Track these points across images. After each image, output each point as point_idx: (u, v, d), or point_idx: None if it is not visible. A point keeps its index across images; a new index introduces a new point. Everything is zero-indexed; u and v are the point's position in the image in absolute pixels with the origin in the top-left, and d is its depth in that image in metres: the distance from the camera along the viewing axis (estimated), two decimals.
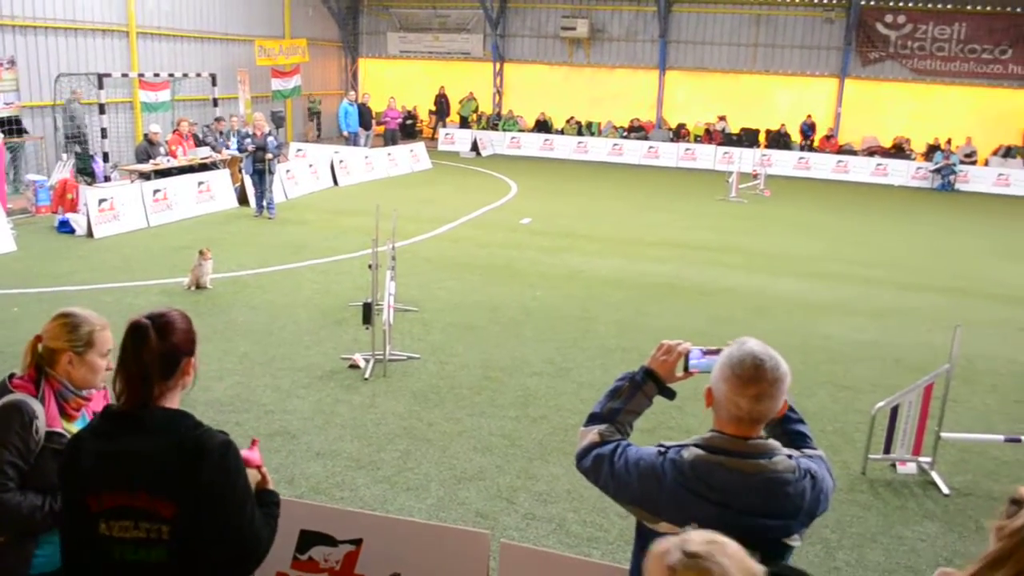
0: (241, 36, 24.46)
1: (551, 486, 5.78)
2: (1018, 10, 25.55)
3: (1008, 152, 26.56)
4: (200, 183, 15.70)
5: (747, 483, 2.30)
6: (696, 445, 2.38)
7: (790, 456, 2.37)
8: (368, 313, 7.90)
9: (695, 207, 18.63)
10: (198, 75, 20.35)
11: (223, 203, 16.00)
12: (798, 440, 2.52)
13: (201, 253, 10.27)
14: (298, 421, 6.68)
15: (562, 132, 28.98)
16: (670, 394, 2.69)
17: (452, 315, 9.60)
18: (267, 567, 3.24)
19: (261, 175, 15.06)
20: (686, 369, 2.64)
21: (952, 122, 26.78)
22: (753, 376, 2.29)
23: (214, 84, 20.08)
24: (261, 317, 9.33)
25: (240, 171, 16.58)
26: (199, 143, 17.78)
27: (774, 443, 2.38)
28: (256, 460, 2.69)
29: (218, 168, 16.96)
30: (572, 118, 29.12)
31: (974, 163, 26.01)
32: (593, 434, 2.58)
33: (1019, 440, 6.42)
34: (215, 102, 20.18)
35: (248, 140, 15.30)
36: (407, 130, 28.95)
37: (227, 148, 17.77)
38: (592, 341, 8.94)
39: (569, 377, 7.86)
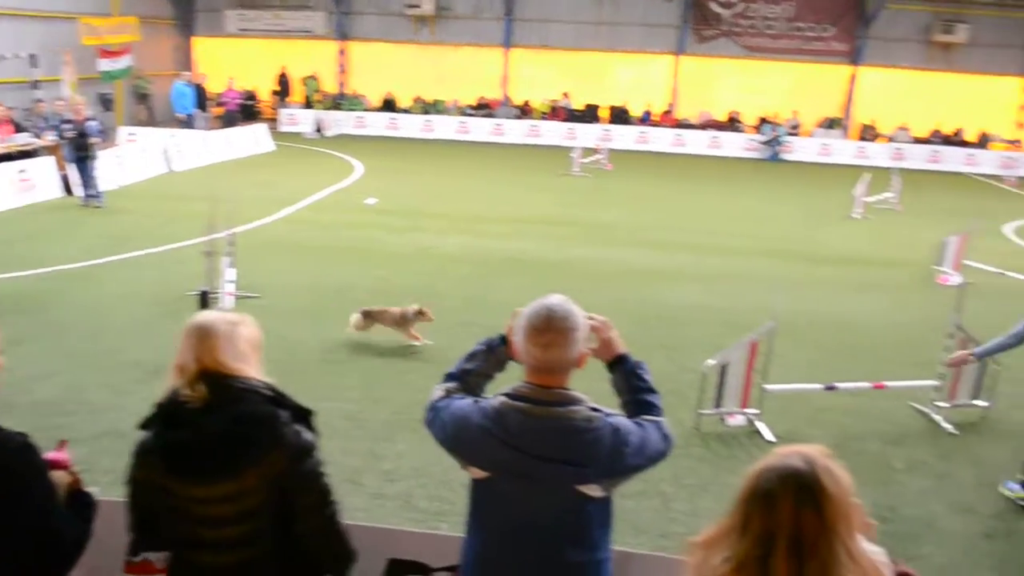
0: (64, 13, 22.87)
1: (397, 464, 5.79)
2: None
3: (830, 124, 28.32)
4: (21, 171, 14.67)
5: (538, 428, 2.42)
6: (504, 393, 2.51)
7: (596, 409, 2.47)
8: (205, 302, 7.65)
9: (540, 182, 18.95)
10: (16, 56, 18.94)
11: (47, 193, 15.01)
12: (643, 409, 2.63)
13: (422, 313, 8.25)
14: (131, 419, 6.27)
15: (408, 111, 28.77)
16: None
17: (295, 299, 9.41)
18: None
19: (84, 162, 14.22)
20: None
21: (780, 96, 28.31)
22: (543, 326, 2.42)
23: (34, 65, 18.74)
24: (90, 312, 8.85)
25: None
26: (19, 129, 16.59)
27: (578, 395, 2.48)
28: (64, 461, 2.59)
29: (40, 155, 15.88)
30: (418, 97, 28.94)
31: (798, 135, 27.59)
32: (440, 390, 2.70)
33: (835, 388, 6.91)
34: (36, 84, 18.84)
35: (67, 125, 14.38)
36: (247, 111, 28.00)
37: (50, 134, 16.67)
38: (439, 318, 8.93)
39: (415, 356, 7.87)
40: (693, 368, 7.43)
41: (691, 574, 1.81)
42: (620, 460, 2.45)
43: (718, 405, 6.50)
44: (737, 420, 6.60)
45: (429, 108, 28.85)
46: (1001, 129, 28.71)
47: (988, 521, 5.43)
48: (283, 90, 29.43)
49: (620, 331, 2.73)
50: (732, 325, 8.97)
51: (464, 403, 2.60)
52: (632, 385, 2.68)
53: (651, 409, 2.63)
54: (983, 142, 28.16)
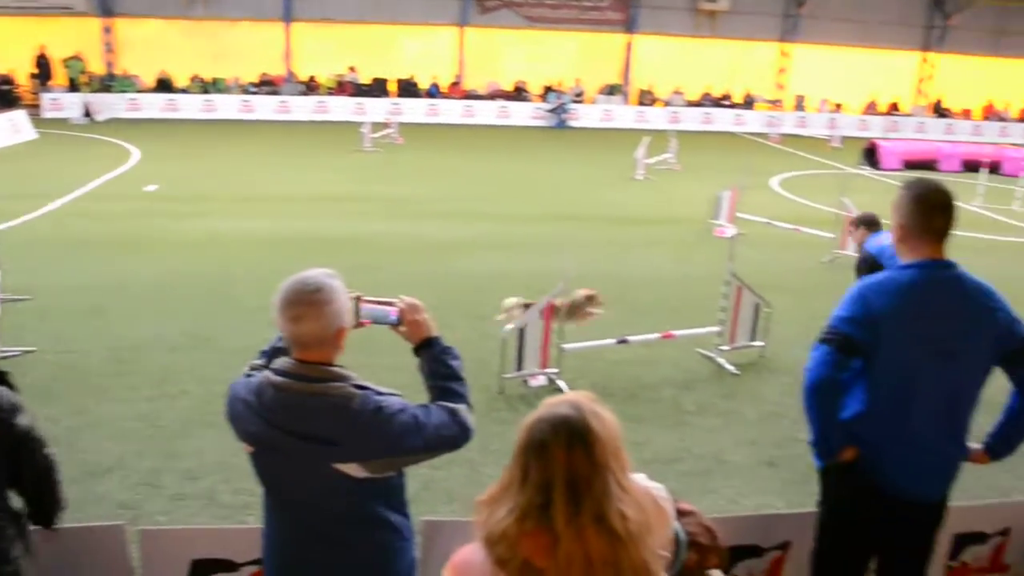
0: None
1: (198, 462, 5.54)
2: None
3: (611, 90, 29.51)
4: None
5: (291, 403, 2.39)
6: (270, 367, 2.49)
7: (363, 387, 2.43)
8: None
9: (331, 160, 18.58)
10: None
11: None
12: (443, 396, 2.59)
13: (591, 298, 7.07)
14: None
15: (186, 91, 27.28)
16: None
17: (73, 298, 8.74)
18: None
19: None
20: (358, 318, 2.66)
21: (563, 65, 29.19)
22: (292, 299, 2.40)
23: None
24: None
25: None
26: None
27: (343, 372, 2.45)
28: None
29: None
30: (196, 75, 27.48)
31: (582, 102, 28.58)
32: (247, 367, 2.67)
33: (627, 341, 7.26)
34: None
35: None
36: (3, 97, 25.52)
37: None
38: (234, 305, 8.62)
39: (211, 346, 7.54)
40: (495, 335, 7.57)
41: (479, 531, 1.86)
42: (383, 440, 2.38)
43: (520, 368, 6.67)
44: (539, 381, 6.81)
45: (208, 87, 27.49)
46: (764, 91, 31.06)
47: (769, 451, 5.92)
48: (43, 73, 27.00)
49: (425, 304, 2.71)
50: (532, 289, 9.13)
51: (241, 377, 2.59)
52: (435, 371, 2.64)
53: (451, 396, 2.59)
54: (749, 103, 30.35)
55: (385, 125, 22.24)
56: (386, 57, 28.51)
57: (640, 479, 2.08)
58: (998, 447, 3.19)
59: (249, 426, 2.45)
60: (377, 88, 27.85)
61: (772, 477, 5.53)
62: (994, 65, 32.86)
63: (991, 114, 32.39)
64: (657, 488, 2.12)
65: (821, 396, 3.03)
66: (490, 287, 9.34)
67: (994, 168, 20.49)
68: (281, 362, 2.46)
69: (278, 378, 2.42)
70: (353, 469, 2.39)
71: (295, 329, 2.39)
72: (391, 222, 12.52)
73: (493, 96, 28.53)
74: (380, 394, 2.44)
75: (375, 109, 25.33)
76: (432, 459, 2.57)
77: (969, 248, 12.59)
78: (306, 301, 2.38)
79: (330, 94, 27.80)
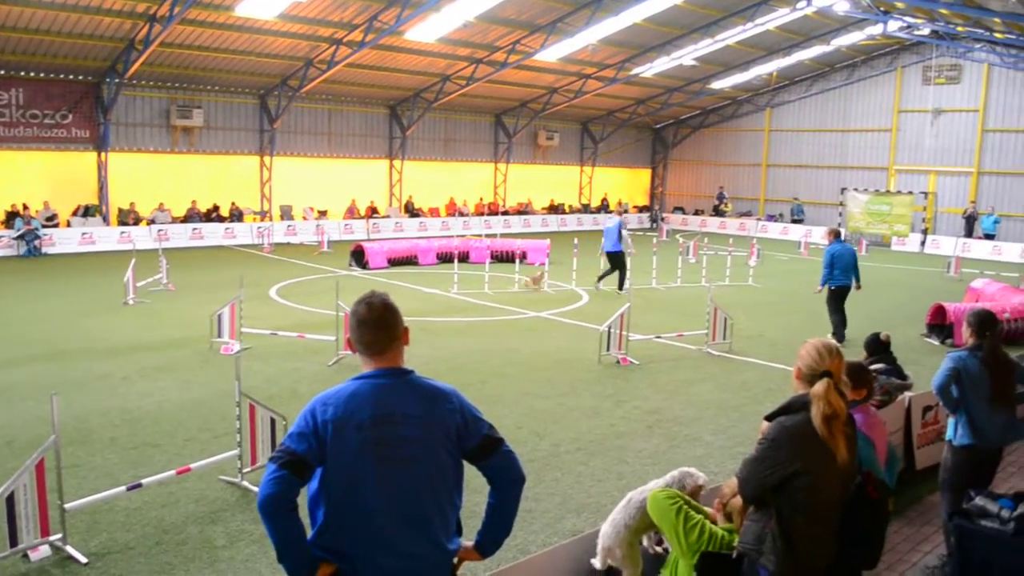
0: None
1: None
2: (71, 77, 26.62)
3: (87, 211, 27.53)
4: None
5: None
6: None
7: None
8: None
9: None
10: None
11: None
12: None
13: None
14: None
15: None
16: None
17: None
18: None
19: None
20: None
21: (28, 187, 26.56)
22: None
23: None
24: None
25: None
26: None
27: None
28: None
29: None
30: None
31: (57, 225, 26.24)
32: None
33: (141, 485, 6.71)
34: None
35: None
36: None
37: None
38: None
39: None
40: None
41: None
42: None
43: (14, 543, 5.75)
44: (42, 552, 5.94)
45: None
46: (251, 202, 31.52)
47: None
48: None
49: None
50: (16, 446, 8.10)
51: None
52: None
53: None
54: (238, 215, 30.50)
55: None
56: None
57: None
58: (485, 544, 3.31)
59: None
60: None
61: None
62: (447, 167, 37.67)
63: (454, 210, 36.74)
64: None
65: (269, 515, 2.96)
66: None
67: (463, 258, 23.32)
68: None
69: None
70: None
71: None
72: None
73: None
74: None
75: None
76: None
77: (450, 330, 14.04)
78: None
79: None
